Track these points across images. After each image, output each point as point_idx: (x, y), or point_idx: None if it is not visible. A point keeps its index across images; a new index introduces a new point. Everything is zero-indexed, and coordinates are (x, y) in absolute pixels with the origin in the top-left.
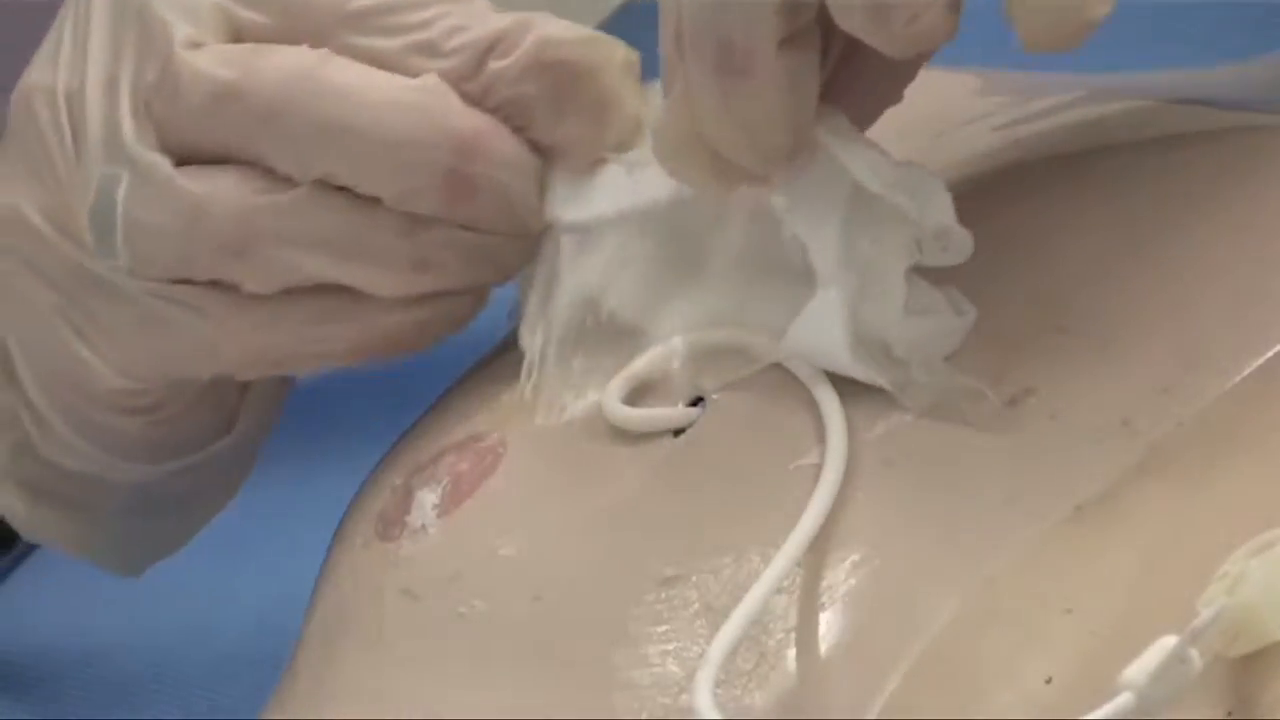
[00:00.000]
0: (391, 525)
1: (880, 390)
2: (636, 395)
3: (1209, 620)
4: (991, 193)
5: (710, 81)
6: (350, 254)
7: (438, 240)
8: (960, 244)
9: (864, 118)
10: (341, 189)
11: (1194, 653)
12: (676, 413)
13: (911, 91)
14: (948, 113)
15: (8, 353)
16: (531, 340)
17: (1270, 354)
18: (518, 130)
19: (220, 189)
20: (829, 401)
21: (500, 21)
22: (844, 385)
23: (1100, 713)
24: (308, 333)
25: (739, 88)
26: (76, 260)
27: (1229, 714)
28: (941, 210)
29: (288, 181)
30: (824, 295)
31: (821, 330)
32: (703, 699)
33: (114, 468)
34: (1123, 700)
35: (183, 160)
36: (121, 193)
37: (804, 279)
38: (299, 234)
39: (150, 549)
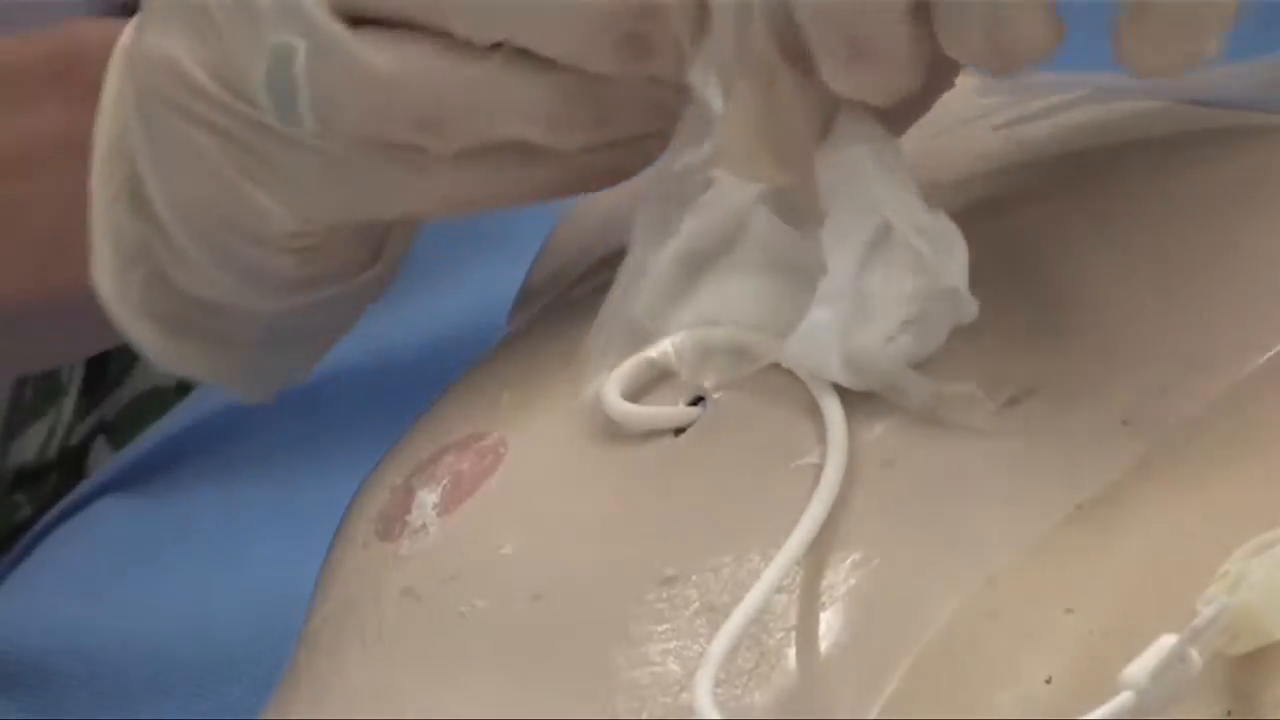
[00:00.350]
0: (392, 525)
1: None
2: (638, 393)
3: (1209, 619)
4: (991, 193)
5: (842, 70)
6: (537, 117)
7: (618, 97)
8: (965, 309)
9: (898, 127)
10: (523, 53)
11: (1194, 652)
12: (676, 411)
13: None
14: (947, 112)
15: (139, 181)
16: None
17: (1270, 354)
18: None
19: (409, 63)
20: (829, 401)
21: None
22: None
23: (1100, 712)
24: (496, 180)
25: (871, 76)
26: (248, 115)
27: (1229, 714)
28: (957, 271)
29: (470, 48)
30: (818, 313)
31: (815, 344)
32: (703, 698)
33: (254, 299)
34: (1123, 700)
35: (354, 21)
36: (300, 64)
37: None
38: (490, 104)
39: (281, 375)
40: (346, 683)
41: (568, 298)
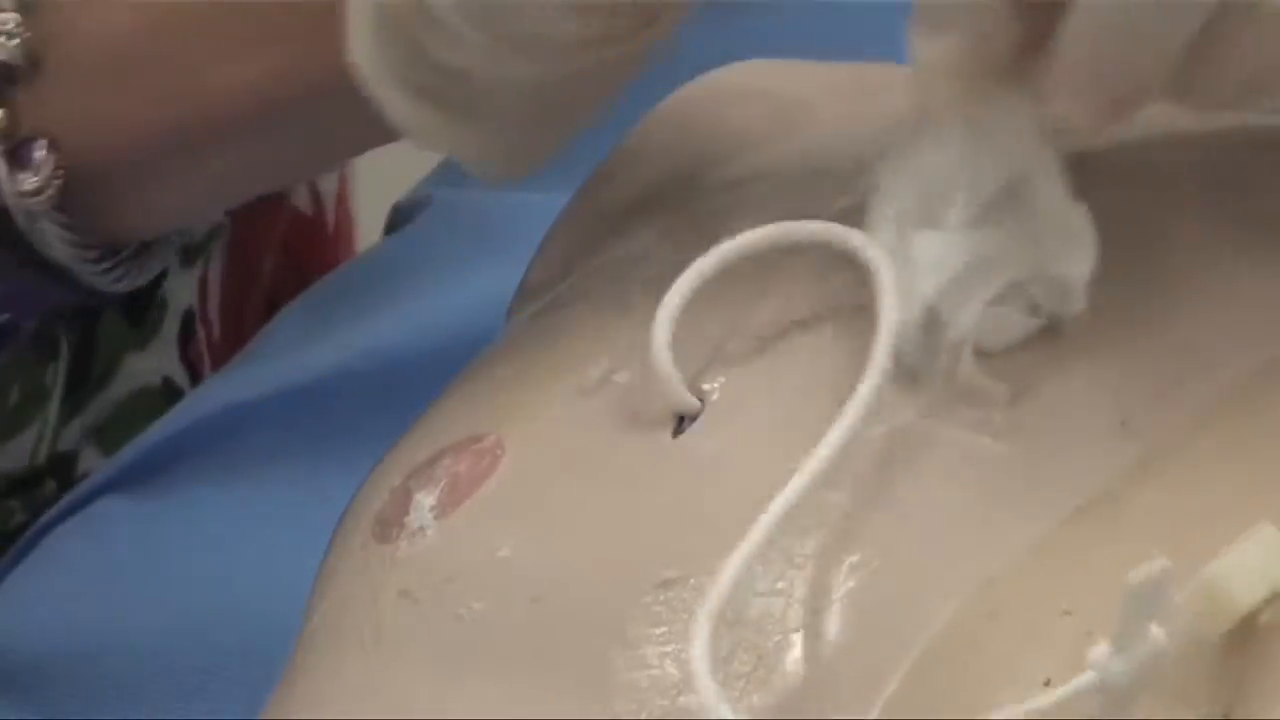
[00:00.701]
0: (389, 527)
1: (878, 391)
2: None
3: (1152, 589)
4: None
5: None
6: None
7: None
8: (1067, 304)
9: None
10: None
11: (1154, 627)
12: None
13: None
14: None
15: None
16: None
17: (1270, 354)
18: None
19: None
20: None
21: None
22: (844, 388)
23: (1062, 691)
24: None
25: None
26: None
27: (1228, 714)
28: (1079, 266)
29: None
30: (933, 240)
31: (916, 266)
32: (700, 662)
33: (522, 65)
34: (1086, 679)
35: None
36: None
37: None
38: None
39: (530, 155)
40: (344, 684)
41: (566, 297)
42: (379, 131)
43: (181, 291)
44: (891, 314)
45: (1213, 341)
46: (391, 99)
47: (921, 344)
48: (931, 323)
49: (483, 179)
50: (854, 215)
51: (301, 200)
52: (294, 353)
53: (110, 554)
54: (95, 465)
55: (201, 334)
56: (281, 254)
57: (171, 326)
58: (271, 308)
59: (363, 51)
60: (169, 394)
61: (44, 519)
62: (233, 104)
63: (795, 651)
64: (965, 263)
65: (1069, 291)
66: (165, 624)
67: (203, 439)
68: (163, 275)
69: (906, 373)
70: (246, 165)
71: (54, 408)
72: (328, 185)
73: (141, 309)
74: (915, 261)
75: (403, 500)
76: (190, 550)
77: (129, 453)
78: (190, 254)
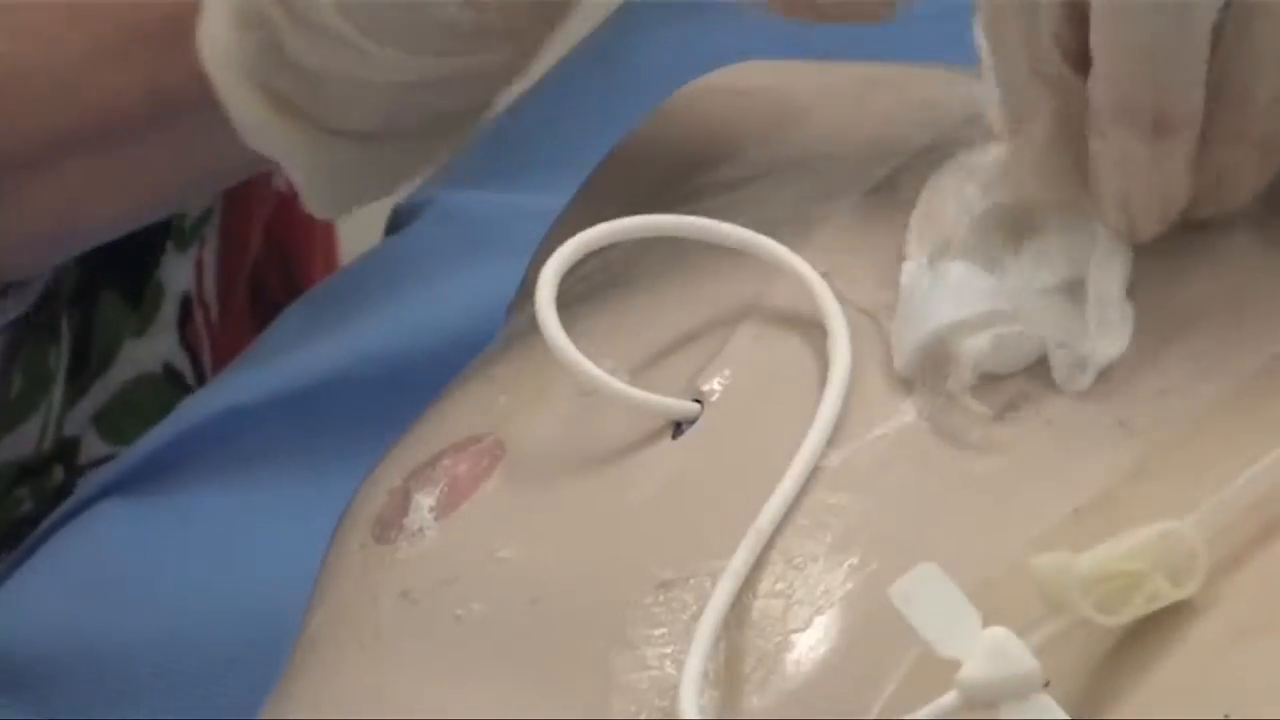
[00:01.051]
0: (389, 528)
1: (878, 393)
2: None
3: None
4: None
5: (1141, 147)
6: None
7: None
8: (1075, 379)
9: None
10: None
11: (1009, 637)
12: (675, 403)
13: (910, 90)
14: (947, 111)
15: None
16: None
17: (1269, 355)
18: None
19: None
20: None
21: None
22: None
23: (925, 712)
24: None
25: (1168, 148)
26: None
27: (1228, 714)
28: (1106, 349)
29: None
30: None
31: (957, 292)
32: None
33: (386, 63)
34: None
35: None
36: None
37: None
38: None
39: (362, 184)
40: (344, 684)
41: (566, 298)
42: (242, 150)
43: (178, 275)
44: (840, 321)
45: (1211, 342)
46: (240, 99)
47: (925, 360)
48: (937, 345)
49: (311, 204)
50: (867, 202)
51: (282, 181)
52: (294, 354)
53: (111, 555)
54: (97, 452)
55: (199, 316)
56: (263, 235)
57: (170, 311)
58: (255, 290)
59: (216, 46)
60: (171, 380)
61: (46, 522)
62: (85, 117)
63: (795, 653)
64: (991, 309)
65: (1085, 369)
66: (165, 625)
67: (203, 441)
68: (159, 258)
69: (904, 382)
70: (95, 185)
71: (58, 393)
72: None
73: (139, 290)
74: (945, 286)
75: (402, 501)
76: (190, 551)
77: (130, 455)
78: (185, 236)
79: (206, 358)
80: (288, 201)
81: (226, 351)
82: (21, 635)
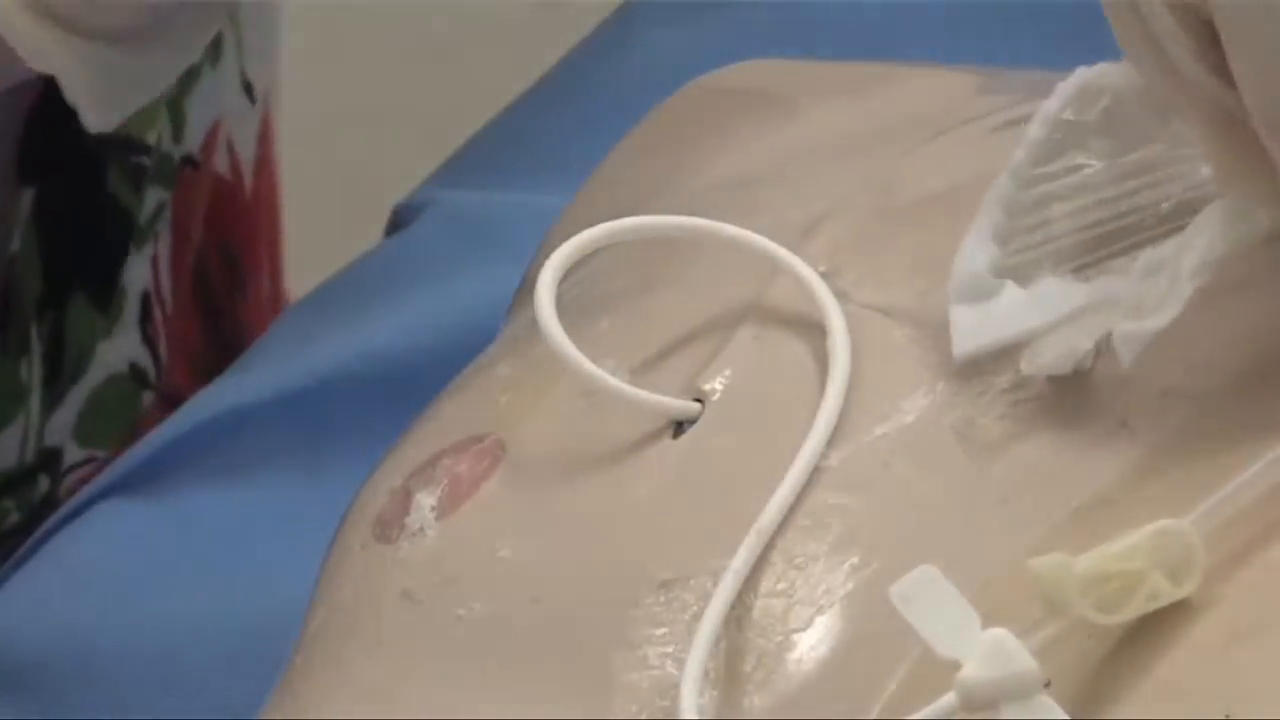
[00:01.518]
0: (390, 527)
1: (879, 392)
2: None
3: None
4: (985, 193)
5: None
6: None
7: None
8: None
9: None
10: None
11: (1009, 637)
12: (675, 403)
13: (910, 90)
14: (947, 112)
15: None
16: None
17: (1269, 355)
18: None
19: None
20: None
21: None
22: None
23: (926, 712)
24: None
25: None
26: None
27: (1228, 714)
28: (1152, 322)
29: None
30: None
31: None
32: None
33: None
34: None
35: None
36: None
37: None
38: None
39: (128, 90)
40: (345, 685)
41: (566, 298)
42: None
43: (138, 274)
44: (839, 321)
45: (1211, 343)
46: (11, 17)
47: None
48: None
49: (87, 117)
50: (867, 202)
51: (222, 165)
52: (294, 353)
53: (111, 556)
54: (78, 458)
55: (158, 313)
56: (203, 225)
57: (132, 310)
58: (199, 281)
59: None
60: (136, 378)
61: (47, 523)
62: None
63: (796, 652)
64: (1071, 309)
65: (1131, 346)
66: (165, 625)
67: (203, 441)
68: (123, 260)
69: (906, 381)
70: None
71: (35, 403)
72: (245, 149)
73: (107, 295)
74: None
75: (403, 501)
76: (191, 552)
77: (131, 455)
78: (141, 235)
79: (163, 354)
80: (227, 184)
81: (178, 345)
82: (21, 635)
